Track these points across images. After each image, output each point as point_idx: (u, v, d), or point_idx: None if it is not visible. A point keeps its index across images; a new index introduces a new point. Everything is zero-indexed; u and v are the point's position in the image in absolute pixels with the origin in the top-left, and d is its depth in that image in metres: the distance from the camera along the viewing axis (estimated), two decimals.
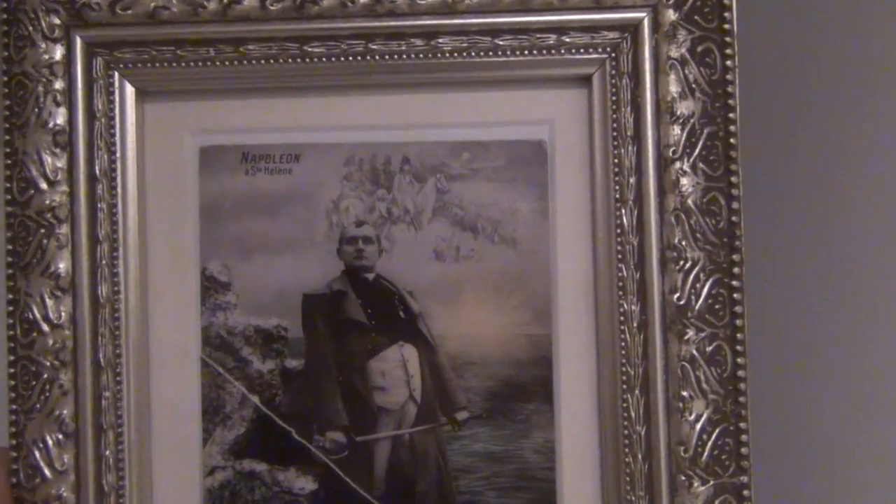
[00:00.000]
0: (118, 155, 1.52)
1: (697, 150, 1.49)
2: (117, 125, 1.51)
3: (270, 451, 1.50)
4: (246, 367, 1.50)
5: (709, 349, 1.45)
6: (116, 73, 1.51)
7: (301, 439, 1.49)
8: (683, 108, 1.49)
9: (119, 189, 1.51)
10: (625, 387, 1.47)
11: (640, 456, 1.45)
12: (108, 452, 1.47)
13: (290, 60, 1.50)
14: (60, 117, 1.50)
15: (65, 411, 1.45)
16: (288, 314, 1.50)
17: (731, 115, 1.49)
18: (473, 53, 1.49)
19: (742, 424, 1.44)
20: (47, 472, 1.44)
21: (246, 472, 1.49)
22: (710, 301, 1.45)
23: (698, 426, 1.44)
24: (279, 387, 1.50)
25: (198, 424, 1.50)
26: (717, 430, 1.44)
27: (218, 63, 1.50)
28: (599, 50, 1.48)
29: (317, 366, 1.50)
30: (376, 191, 1.56)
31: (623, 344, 1.47)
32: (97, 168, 1.51)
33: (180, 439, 1.49)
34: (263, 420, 1.49)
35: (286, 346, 1.50)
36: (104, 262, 1.50)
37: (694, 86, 1.47)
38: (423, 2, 1.48)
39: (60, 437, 1.44)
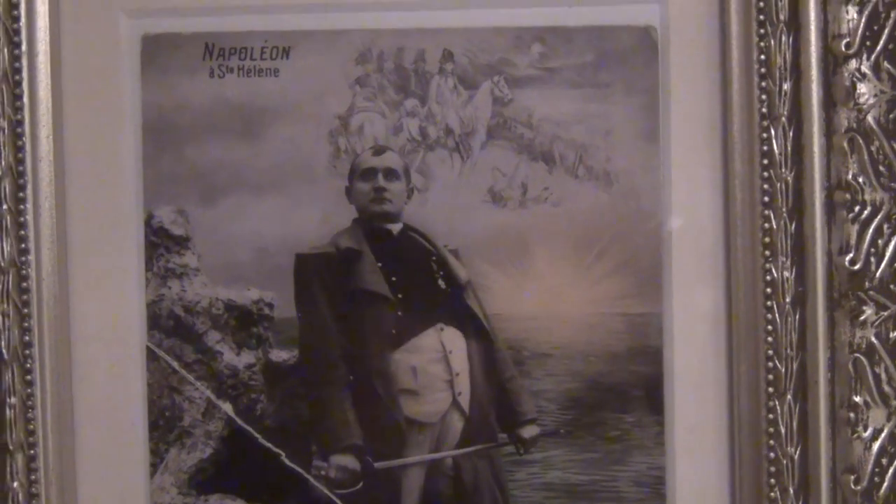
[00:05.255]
0: (23, 48, 1.44)
1: (882, 43, 1.41)
2: (21, 3, 1.44)
3: (249, 482, 1.48)
4: (213, 361, 1.49)
5: (894, 335, 1.41)
6: None
7: (295, 466, 1.47)
8: None
9: (25, 98, 1.44)
10: (771, 390, 1.42)
11: (791, 490, 1.42)
12: (15, 484, 1.45)
13: None
14: None
15: None
16: (274, 284, 1.49)
17: None
18: None
19: None
20: None
21: None
22: None
23: (876, 446, 1.41)
24: (262, 390, 1.49)
25: (143, 444, 1.48)
26: None
27: None
28: None
29: (317, 360, 1.49)
30: (404, 101, 1.48)
31: (769, 329, 1.42)
32: None
33: (117, 466, 1.48)
34: (239, 438, 1.48)
35: (271, 330, 1.50)
36: (4, 207, 1.44)
37: None
38: None
39: None
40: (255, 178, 1.47)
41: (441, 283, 1.49)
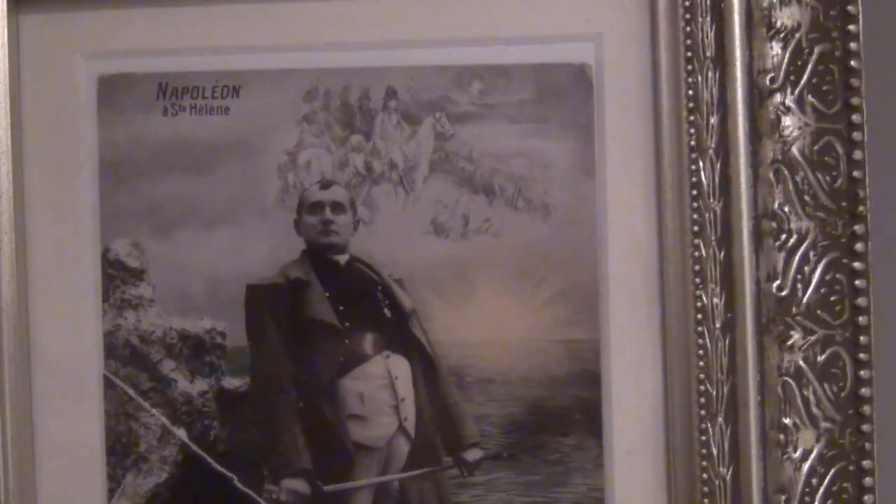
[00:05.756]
0: None
1: (806, 77, 1.43)
2: None
3: None
4: (167, 388, 1.50)
5: (821, 359, 1.43)
6: None
7: (247, 489, 1.48)
8: (786, 17, 1.44)
9: None
10: (703, 413, 1.44)
11: None
12: None
13: None
14: None
15: None
16: (226, 314, 1.50)
17: (851, 27, 1.43)
18: None
19: (865, 463, 1.42)
20: None
21: None
22: (823, 291, 1.43)
23: (806, 466, 1.43)
24: (215, 416, 1.50)
25: (100, 470, 1.49)
26: (831, 472, 1.43)
27: None
28: None
29: (267, 387, 1.49)
30: (350, 137, 1.50)
31: (701, 353, 1.44)
32: None
33: (76, 490, 1.49)
34: (193, 463, 1.49)
35: (224, 358, 1.50)
36: None
37: None
38: None
39: None
40: (207, 212, 1.49)
41: (387, 311, 1.50)
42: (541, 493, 1.48)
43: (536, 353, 1.48)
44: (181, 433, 1.49)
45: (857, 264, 1.44)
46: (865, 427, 1.43)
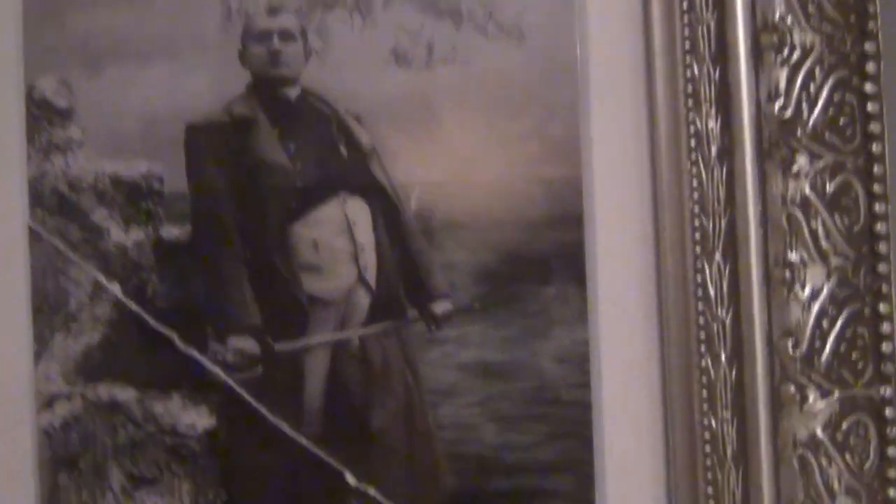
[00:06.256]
0: None
1: None
2: None
3: (140, 368, 1.43)
4: (99, 239, 1.43)
5: (830, 188, 1.33)
6: None
7: (189, 349, 1.41)
8: None
9: None
10: (698, 250, 1.34)
11: (723, 357, 1.34)
12: None
13: None
14: None
15: None
16: (163, 156, 1.42)
17: None
18: None
19: (882, 307, 1.33)
20: None
21: (103, 402, 1.42)
22: (831, 112, 1.33)
23: (815, 307, 1.32)
24: (152, 269, 1.44)
25: (26, 330, 1.42)
26: (844, 314, 1.33)
27: None
28: None
29: (211, 235, 1.42)
30: None
31: (695, 184, 1.34)
32: None
33: (1, 352, 1.42)
34: (129, 321, 1.42)
35: (162, 205, 1.43)
36: None
37: None
38: None
39: None
40: (142, 45, 1.40)
41: (343, 150, 1.42)
42: (519, 348, 1.40)
43: (511, 194, 1.40)
44: (115, 288, 1.42)
45: (868, 86, 1.34)
46: (882, 268, 1.33)
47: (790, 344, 1.31)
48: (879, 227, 1.33)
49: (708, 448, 1.33)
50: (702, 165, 1.33)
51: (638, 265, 1.37)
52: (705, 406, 1.33)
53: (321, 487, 1.39)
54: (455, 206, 1.40)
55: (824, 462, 1.31)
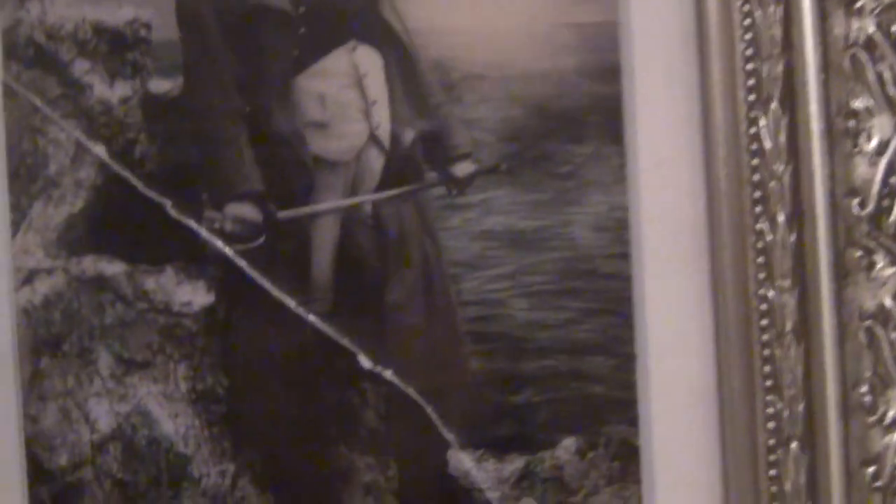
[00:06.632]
0: None
1: None
2: None
3: (129, 239, 1.40)
4: (81, 95, 1.41)
5: None
6: None
7: (182, 218, 1.38)
8: None
9: None
10: (752, 99, 1.25)
11: (780, 219, 1.25)
12: None
13: None
14: None
15: None
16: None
17: None
18: None
19: None
20: None
21: (89, 277, 1.39)
22: None
23: (883, 162, 1.24)
24: (140, 128, 1.40)
25: (1, 198, 1.40)
26: None
27: None
28: None
29: (205, 90, 1.40)
30: None
31: (747, 23, 1.25)
32: None
33: None
34: (115, 186, 1.39)
35: (150, 55, 1.40)
36: None
37: None
38: None
39: None
40: None
41: None
42: (549, 213, 1.34)
43: (539, 41, 1.33)
44: (99, 150, 1.39)
45: None
46: None
47: (855, 203, 1.23)
48: None
49: (764, 322, 1.25)
50: (755, 2, 1.24)
51: (683, 118, 1.29)
52: (761, 275, 1.25)
53: (331, 371, 1.35)
54: (478, 56, 1.35)
55: (894, 335, 1.22)
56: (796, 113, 1.24)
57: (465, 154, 1.36)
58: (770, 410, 1.26)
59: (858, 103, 1.23)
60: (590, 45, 1.32)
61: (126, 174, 1.37)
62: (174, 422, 1.36)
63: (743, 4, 1.24)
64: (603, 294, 1.33)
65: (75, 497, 1.38)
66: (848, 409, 1.24)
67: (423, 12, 1.34)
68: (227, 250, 1.37)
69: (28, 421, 1.37)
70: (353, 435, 1.36)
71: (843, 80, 1.23)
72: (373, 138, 1.37)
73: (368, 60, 1.37)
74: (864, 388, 1.23)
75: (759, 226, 1.25)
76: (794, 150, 1.25)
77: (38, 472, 1.38)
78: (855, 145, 1.23)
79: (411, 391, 1.34)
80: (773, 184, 1.25)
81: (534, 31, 1.32)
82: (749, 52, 1.25)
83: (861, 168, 1.23)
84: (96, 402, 1.37)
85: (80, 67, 1.37)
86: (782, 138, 1.24)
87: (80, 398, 1.37)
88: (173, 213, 1.36)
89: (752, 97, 1.25)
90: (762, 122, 1.24)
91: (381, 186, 1.38)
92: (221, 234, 1.37)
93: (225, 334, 1.37)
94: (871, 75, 1.22)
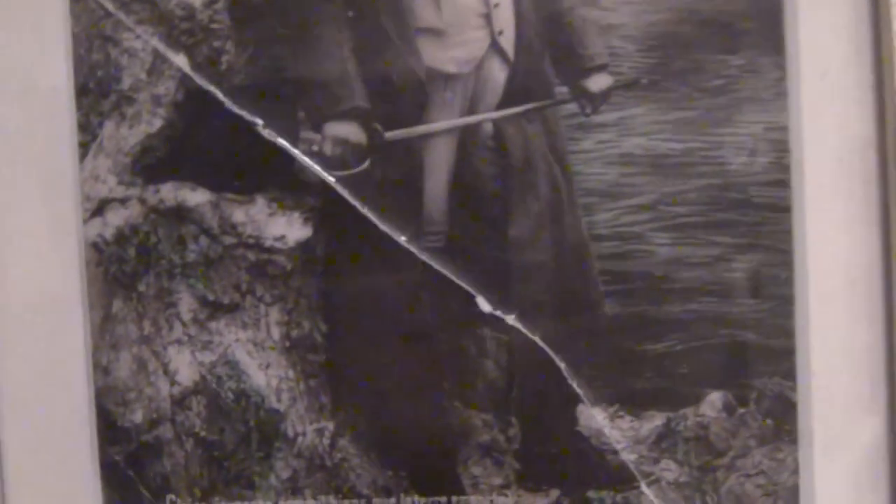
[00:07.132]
0: None
1: None
2: None
3: (214, 164, 1.31)
4: None
5: None
6: None
7: (276, 139, 1.29)
8: None
9: None
10: None
11: None
12: None
13: None
14: None
15: None
16: None
17: None
18: None
19: None
20: None
21: (168, 207, 1.31)
22: None
23: None
24: (227, 35, 1.31)
25: (68, 117, 1.30)
26: None
27: None
28: None
29: None
30: None
31: None
32: None
33: (36, 148, 1.30)
34: (199, 103, 1.30)
35: None
36: None
37: None
38: None
39: None
40: None
41: None
42: (697, 134, 1.25)
43: None
44: (181, 60, 1.28)
45: None
46: None
47: None
48: None
49: None
50: None
51: (851, 22, 1.20)
52: None
53: (446, 314, 1.27)
54: None
55: None
56: None
57: (600, 65, 1.27)
58: None
59: None
60: None
61: (211, 88, 1.27)
62: (265, 373, 1.27)
63: None
64: (757, 227, 1.26)
65: (152, 458, 1.28)
66: None
67: None
68: (327, 177, 1.25)
69: (99, 372, 1.27)
70: (470, 388, 1.26)
71: None
72: (495, 47, 1.28)
73: None
74: None
75: None
76: None
77: (109, 430, 1.28)
78: None
79: (537, 338, 1.25)
80: None
81: None
82: None
83: None
84: (176, 351, 1.27)
85: None
86: None
87: (158, 346, 1.27)
88: (265, 133, 1.26)
89: None
90: None
91: (503, 103, 1.29)
92: (320, 158, 1.27)
93: (324, 274, 1.28)
94: None
